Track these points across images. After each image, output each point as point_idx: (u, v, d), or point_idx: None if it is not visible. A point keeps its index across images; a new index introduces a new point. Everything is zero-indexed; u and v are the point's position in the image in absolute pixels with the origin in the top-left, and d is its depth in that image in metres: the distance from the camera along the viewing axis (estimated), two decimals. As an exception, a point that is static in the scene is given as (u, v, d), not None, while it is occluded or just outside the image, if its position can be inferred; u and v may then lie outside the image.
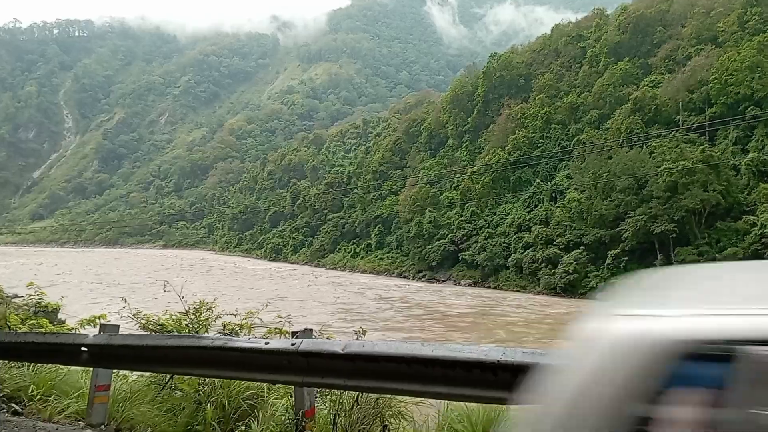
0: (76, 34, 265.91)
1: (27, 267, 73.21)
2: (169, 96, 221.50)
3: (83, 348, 4.42)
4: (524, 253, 56.01)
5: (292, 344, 3.59)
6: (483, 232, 62.37)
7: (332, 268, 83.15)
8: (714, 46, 56.98)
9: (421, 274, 68.08)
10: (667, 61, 62.89)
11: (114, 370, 5.53)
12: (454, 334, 34.78)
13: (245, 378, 4.49)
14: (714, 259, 45.02)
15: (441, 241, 66.03)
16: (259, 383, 5.33)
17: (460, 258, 63.88)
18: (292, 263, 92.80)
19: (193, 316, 6.26)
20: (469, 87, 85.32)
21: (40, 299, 7.44)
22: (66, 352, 4.72)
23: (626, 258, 48.64)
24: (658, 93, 57.15)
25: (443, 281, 64.73)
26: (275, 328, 6.21)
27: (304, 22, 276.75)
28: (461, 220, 66.24)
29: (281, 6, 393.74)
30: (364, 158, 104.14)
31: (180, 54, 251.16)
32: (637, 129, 54.90)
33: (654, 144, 52.09)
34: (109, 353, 4.26)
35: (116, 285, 55.32)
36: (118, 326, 5.51)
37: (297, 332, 4.54)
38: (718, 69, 52.17)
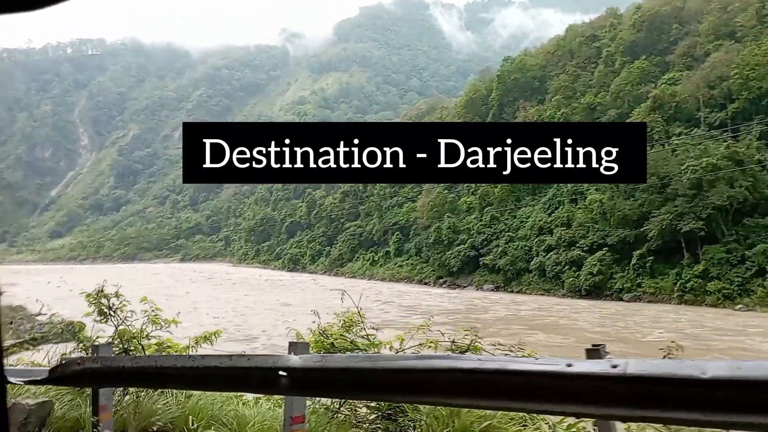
0: (89, 52, 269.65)
1: (54, 286, 73.59)
2: (183, 111, 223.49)
3: (281, 373, 3.57)
4: (547, 256, 55.46)
5: (614, 366, 2.87)
6: (504, 236, 61.89)
7: (351, 277, 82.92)
8: (733, 42, 56.29)
9: (441, 281, 67.66)
10: (684, 57, 62.20)
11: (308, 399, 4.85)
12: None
13: (535, 410, 3.86)
14: (743, 257, 44.26)
15: (461, 246, 65.61)
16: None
17: (480, 263, 63.40)
18: (311, 273, 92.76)
19: (352, 331, 5.74)
20: (483, 91, 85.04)
21: (155, 315, 6.76)
22: (257, 378, 3.86)
23: (652, 258, 47.97)
24: (677, 90, 56.45)
25: (464, 287, 64.26)
26: (432, 341, 5.61)
27: (313, 33, 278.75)
28: (481, 225, 65.79)
29: (290, 18, 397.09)
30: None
31: (192, 69, 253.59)
32: (658, 127, 54.21)
33: (676, 142, 51.44)
34: (319, 378, 3.14)
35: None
36: (308, 344, 5.04)
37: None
38: (739, 64, 51.47)
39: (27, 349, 39.51)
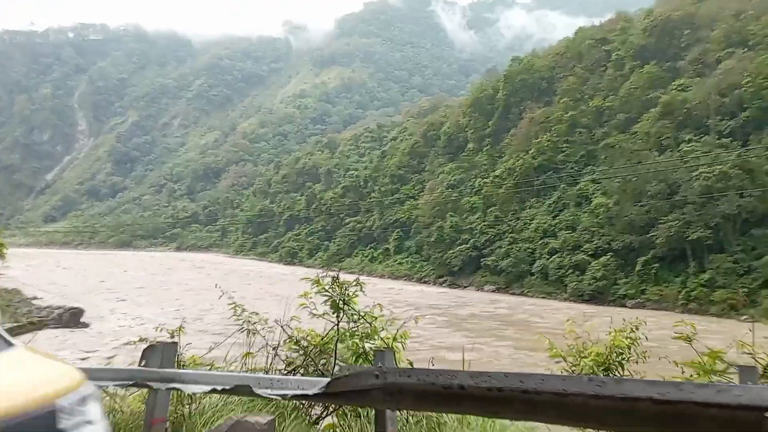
0: (92, 37, 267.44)
1: (49, 270, 72.69)
2: (183, 99, 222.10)
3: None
4: (550, 259, 55.01)
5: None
6: (507, 238, 61.45)
7: (349, 272, 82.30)
8: (745, 50, 55.88)
9: (441, 280, 67.16)
10: (695, 64, 61.77)
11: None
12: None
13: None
14: (750, 267, 43.89)
15: (463, 246, 65.12)
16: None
17: (482, 264, 62.93)
18: (308, 267, 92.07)
19: None
20: (489, 90, 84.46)
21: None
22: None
23: (657, 265, 47.60)
24: (688, 97, 56.03)
25: (465, 287, 63.79)
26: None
27: (316, 26, 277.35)
28: (484, 225, 65.30)
29: (293, 10, 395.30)
30: (381, 162, 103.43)
31: (193, 58, 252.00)
32: (667, 133, 53.80)
33: (685, 149, 51.02)
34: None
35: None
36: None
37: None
38: (752, 73, 51.07)
39: (27, 331, 38.84)
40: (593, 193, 57.72)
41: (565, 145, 66.43)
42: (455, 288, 63.78)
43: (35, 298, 52.18)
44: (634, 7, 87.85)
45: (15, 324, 37.32)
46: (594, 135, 64.49)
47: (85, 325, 40.88)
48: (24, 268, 69.56)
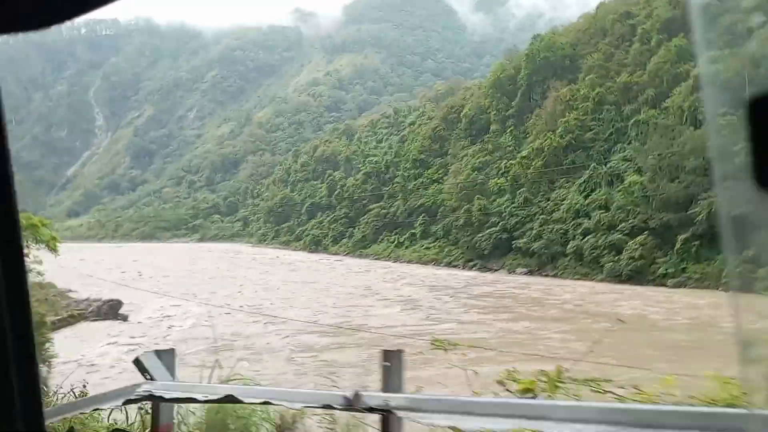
0: (104, 33, 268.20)
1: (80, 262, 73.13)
2: (197, 91, 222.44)
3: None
4: (584, 240, 54.31)
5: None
6: (538, 219, 60.75)
7: (375, 259, 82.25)
8: (780, 18, 54.38)
9: (471, 264, 66.72)
10: (725, 35, 60.10)
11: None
12: None
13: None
14: (794, 241, 42.96)
15: (492, 229, 64.54)
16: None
17: (513, 246, 62.36)
18: (333, 254, 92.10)
19: None
20: (511, 71, 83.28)
21: None
22: None
23: (697, 242, 46.73)
24: (720, 69, 54.62)
25: (495, 270, 63.33)
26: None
27: (325, 12, 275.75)
28: (513, 207, 64.63)
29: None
30: (401, 147, 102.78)
31: (205, 50, 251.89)
32: (701, 107, 52.61)
33: (722, 122, 49.85)
34: None
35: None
36: None
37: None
38: (789, 41, 49.69)
39: (68, 324, 39.06)
40: (626, 171, 56.77)
41: (592, 123, 65.37)
42: (485, 272, 63.38)
43: (70, 290, 52.51)
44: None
45: (56, 317, 37.58)
46: (623, 111, 63.34)
47: (125, 317, 41.03)
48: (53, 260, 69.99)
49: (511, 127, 78.54)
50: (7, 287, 0.91)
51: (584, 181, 60.47)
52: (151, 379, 4.72)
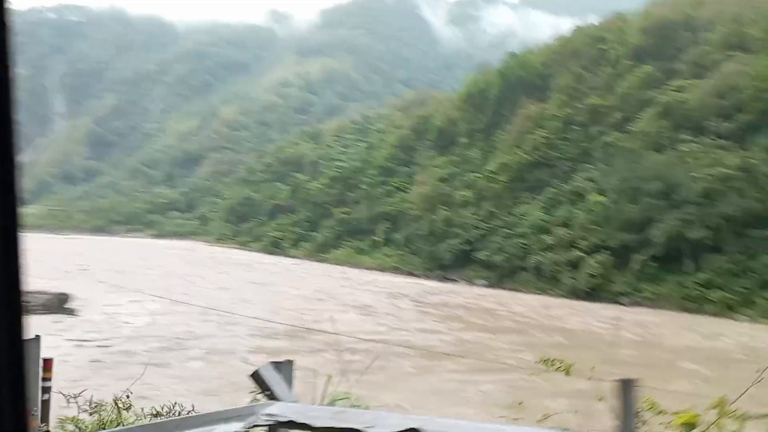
0: (73, 18, 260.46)
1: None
2: (164, 84, 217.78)
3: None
4: (545, 255, 54.69)
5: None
6: (500, 233, 60.99)
7: (335, 264, 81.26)
8: (743, 52, 56.10)
9: (431, 273, 66.45)
10: (693, 66, 61.88)
11: None
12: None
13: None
14: (747, 268, 44.01)
15: (455, 240, 64.51)
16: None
17: (474, 258, 62.41)
18: (292, 257, 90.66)
19: None
20: (483, 85, 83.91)
21: None
22: None
23: (654, 263, 47.54)
24: (687, 98, 56.09)
25: (455, 281, 63.22)
26: None
27: (301, 16, 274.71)
28: (476, 219, 64.77)
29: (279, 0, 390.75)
30: (368, 154, 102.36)
31: (176, 44, 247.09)
32: (666, 133, 53.79)
33: (684, 149, 51.03)
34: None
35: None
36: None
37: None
38: (751, 76, 51.26)
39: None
40: (589, 191, 57.53)
41: (559, 141, 66.19)
42: (445, 282, 63.20)
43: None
44: (618, 8, 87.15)
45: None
46: (590, 133, 64.32)
47: (75, 312, 39.13)
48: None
49: (479, 141, 78.98)
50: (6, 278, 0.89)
51: (548, 198, 61.07)
52: (272, 397, 3.84)
